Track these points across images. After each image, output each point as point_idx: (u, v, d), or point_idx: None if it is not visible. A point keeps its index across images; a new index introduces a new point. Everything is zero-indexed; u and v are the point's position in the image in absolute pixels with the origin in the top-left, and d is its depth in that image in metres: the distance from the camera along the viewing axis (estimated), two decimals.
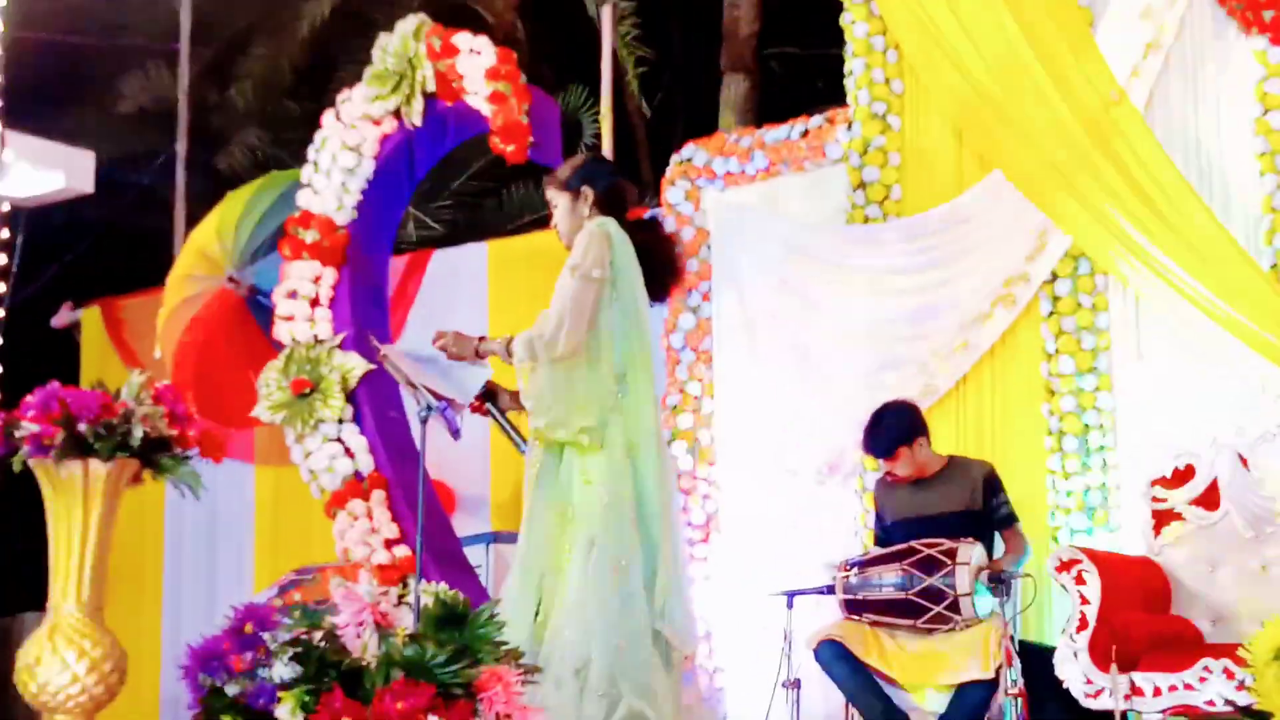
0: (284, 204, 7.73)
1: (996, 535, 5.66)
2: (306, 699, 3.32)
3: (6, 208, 8.46)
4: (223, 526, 9.04)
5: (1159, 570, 5.54)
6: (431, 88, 7.11)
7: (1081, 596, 5.11)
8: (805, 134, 7.15)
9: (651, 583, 4.61)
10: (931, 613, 5.24)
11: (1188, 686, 4.85)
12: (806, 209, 7.12)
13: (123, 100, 12.24)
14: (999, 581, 5.22)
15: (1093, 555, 5.21)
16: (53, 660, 4.19)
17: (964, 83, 6.41)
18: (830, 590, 5.52)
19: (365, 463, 7.06)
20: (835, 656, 5.36)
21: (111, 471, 4.23)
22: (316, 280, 7.26)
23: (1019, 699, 5.01)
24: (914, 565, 5.28)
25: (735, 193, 7.30)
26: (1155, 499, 5.63)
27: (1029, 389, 6.39)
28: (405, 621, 3.55)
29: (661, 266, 4.87)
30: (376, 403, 7.13)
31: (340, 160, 7.30)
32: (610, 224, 4.72)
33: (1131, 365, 6.20)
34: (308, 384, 7.09)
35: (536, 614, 4.58)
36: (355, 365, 7.09)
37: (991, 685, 5.13)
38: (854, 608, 5.42)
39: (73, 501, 4.24)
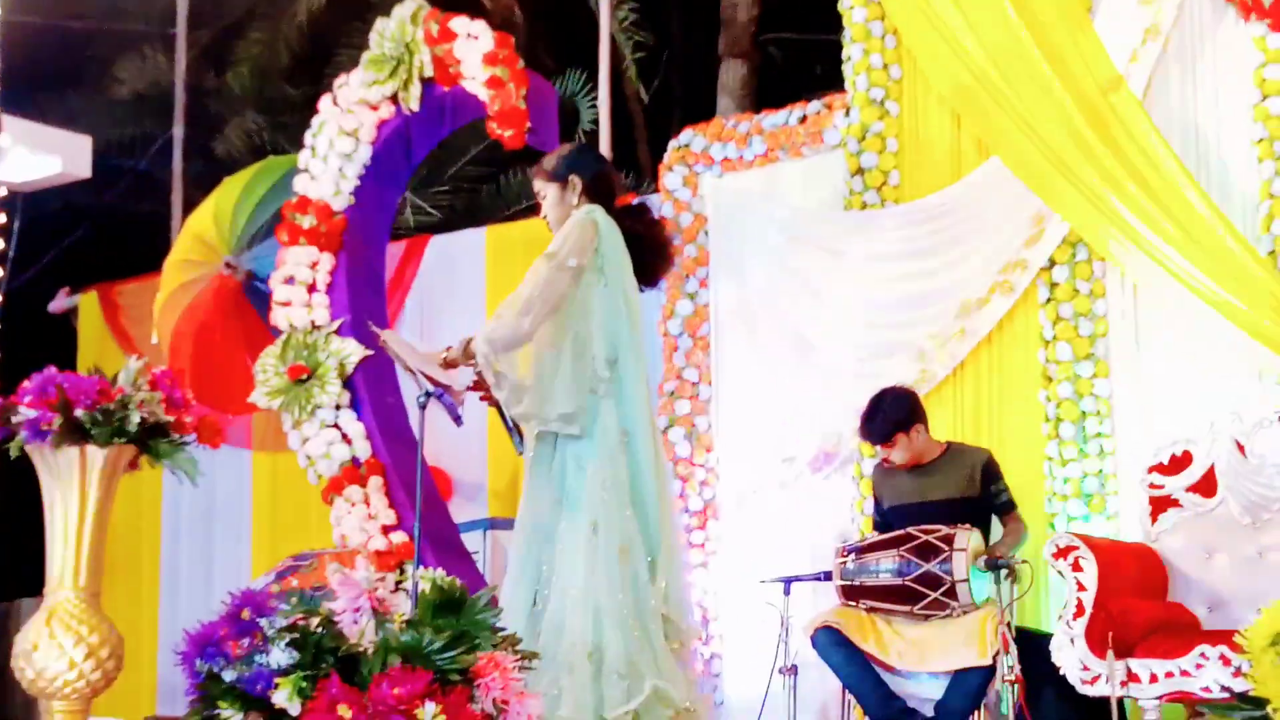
0: (281, 189, 7.73)
1: (994, 521, 5.67)
2: (304, 685, 3.32)
3: (3, 192, 8.44)
4: (220, 512, 9.05)
5: (1156, 557, 5.54)
6: (429, 73, 7.10)
7: (1078, 583, 5.11)
8: (803, 120, 7.14)
9: (652, 567, 4.61)
10: (928, 599, 5.25)
11: (1184, 673, 4.85)
12: (804, 195, 7.12)
13: (119, 85, 12.22)
14: (996, 568, 5.22)
15: (1089, 542, 5.21)
16: (50, 646, 4.19)
17: (962, 69, 6.40)
18: (827, 576, 5.53)
19: (362, 449, 7.06)
20: (832, 643, 5.37)
21: (108, 457, 4.23)
22: (314, 266, 7.26)
23: (1015, 685, 5.02)
24: (911, 551, 5.29)
25: (733, 178, 7.29)
26: (1152, 485, 5.63)
27: (1026, 375, 6.39)
28: (402, 607, 3.55)
29: (651, 253, 4.87)
30: (374, 389, 7.13)
31: (337, 145, 7.30)
32: (597, 211, 4.73)
33: (1129, 352, 6.20)
34: (305, 370, 7.09)
35: (535, 601, 4.58)
36: (352, 351, 7.09)
37: (988, 671, 5.14)
38: (851, 594, 5.43)
39: (70, 487, 4.24)
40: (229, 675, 3.38)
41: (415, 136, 7.42)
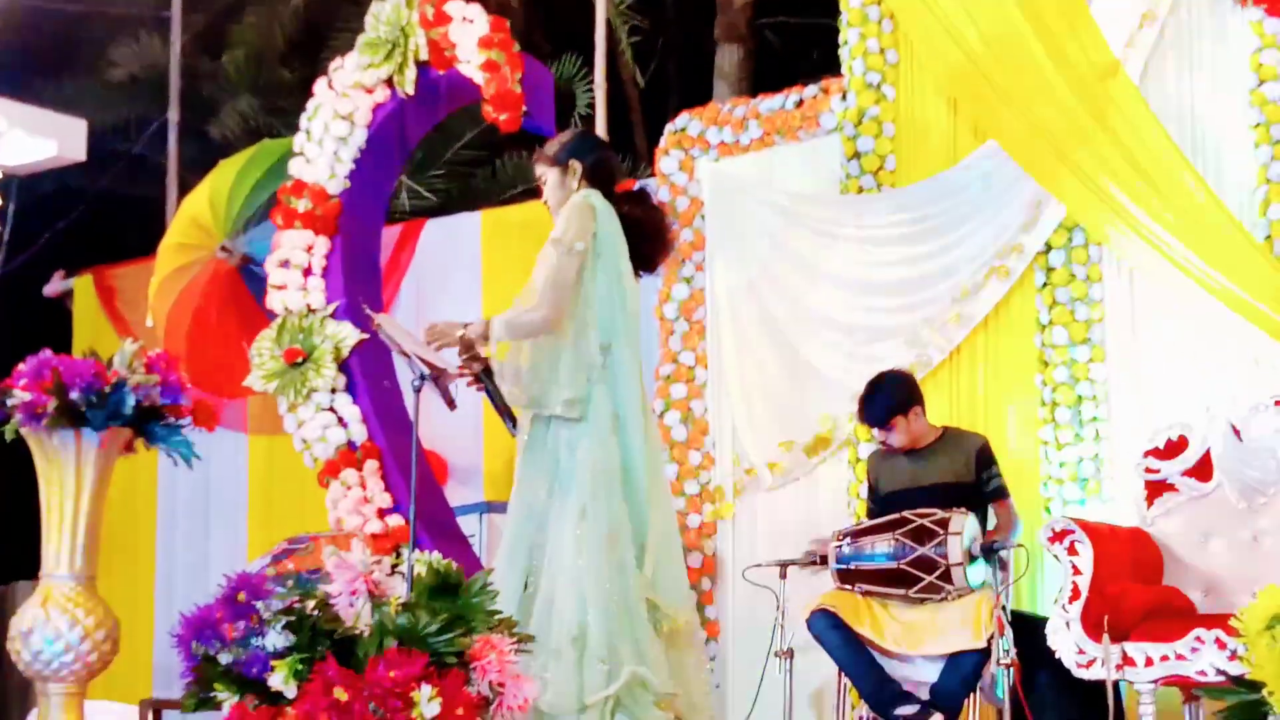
0: (276, 173, 7.72)
1: (989, 508, 5.68)
2: (299, 667, 3.33)
3: None
4: (216, 495, 9.05)
5: (1151, 541, 5.55)
6: (424, 56, 7.09)
7: (1074, 567, 5.12)
8: (800, 104, 7.13)
9: (640, 553, 4.61)
10: (923, 582, 5.25)
11: (1180, 657, 4.86)
12: (801, 179, 7.11)
13: (114, 68, 12.19)
14: (991, 553, 5.23)
15: (1085, 526, 5.22)
16: (46, 629, 4.19)
17: (959, 53, 6.38)
18: (823, 560, 5.53)
19: (358, 432, 7.06)
20: (828, 626, 5.37)
21: (104, 440, 4.23)
22: (309, 249, 7.25)
23: (1011, 669, 5.02)
24: (906, 535, 5.29)
25: (729, 163, 7.28)
26: (1148, 470, 5.63)
27: (1022, 360, 6.39)
28: (398, 591, 3.56)
29: (650, 239, 4.87)
30: (369, 372, 7.13)
31: (333, 129, 7.28)
32: (594, 195, 4.73)
33: (1125, 336, 6.20)
34: (300, 353, 7.09)
35: (526, 585, 4.58)
36: (348, 335, 7.09)
37: (983, 655, 5.15)
38: (846, 577, 5.43)
39: (65, 470, 4.24)
40: (225, 658, 3.39)
41: (410, 120, 7.41)
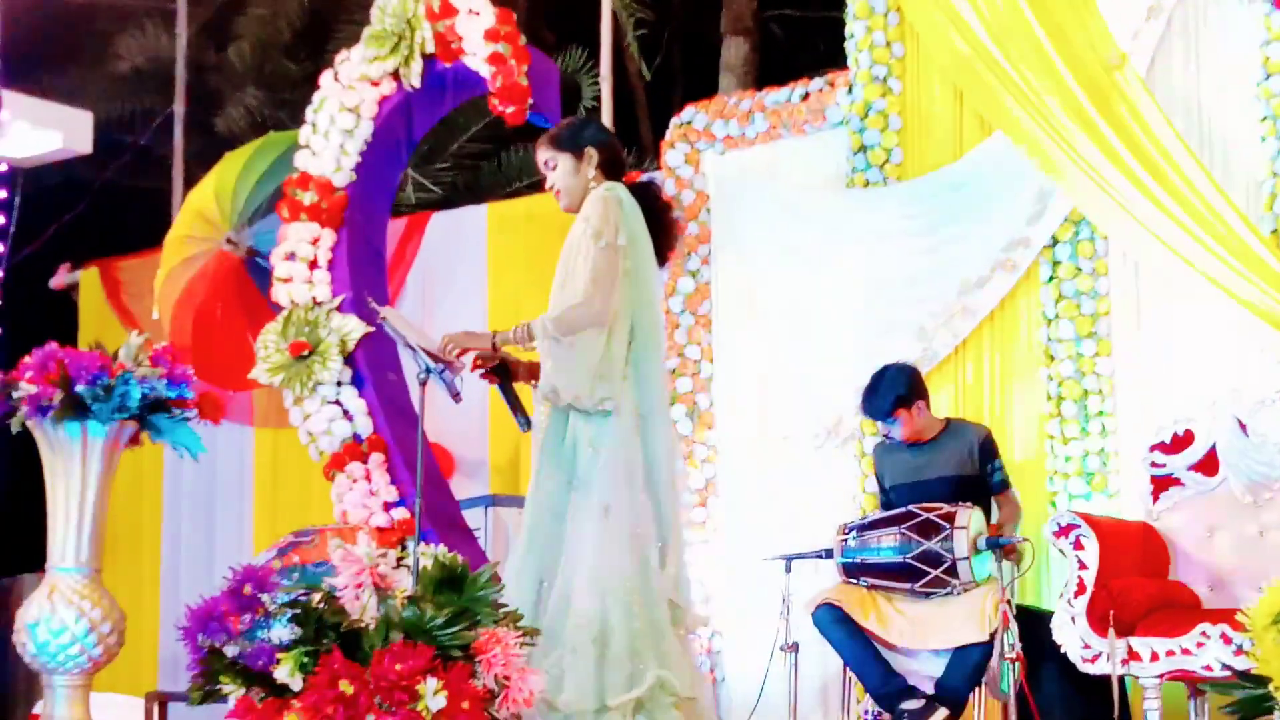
0: (282, 165, 7.71)
1: (993, 500, 5.68)
2: (305, 660, 3.33)
3: (4, 168, 8.44)
4: (221, 488, 9.05)
5: (1157, 535, 5.54)
6: (430, 49, 7.08)
7: (1080, 561, 5.11)
8: (805, 97, 7.12)
9: (663, 553, 4.56)
10: (929, 576, 5.25)
11: (1185, 651, 4.86)
12: (806, 172, 7.10)
13: (120, 60, 12.19)
14: (996, 546, 5.23)
15: (1091, 520, 5.21)
16: (52, 621, 4.20)
17: (965, 45, 6.37)
18: (828, 554, 5.53)
19: (364, 425, 7.06)
20: (833, 620, 5.37)
21: (109, 433, 4.23)
22: (315, 242, 7.24)
23: (1016, 663, 5.02)
24: (912, 529, 5.29)
25: (735, 156, 7.28)
26: (1154, 464, 5.63)
27: (1028, 354, 6.39)
28: (404, 584, 3.56)
29: (660, 231, 4.78)
30: (375, 365, 7.12)
31: (338, 121, 7.28)
32: (621, 189, 4.63)
33: (1131, 330, 6.20)
34: (306, 346, 7.08)
35: (541, 579, 4.52)
36: (354, 328, 7.08)
37: (988, 649, 5.15)
38: (852, 571, 5.43)
39: (71, 462, 4.24)
40: (231, 650, 3.39)
41: (417, 113, 7.40)
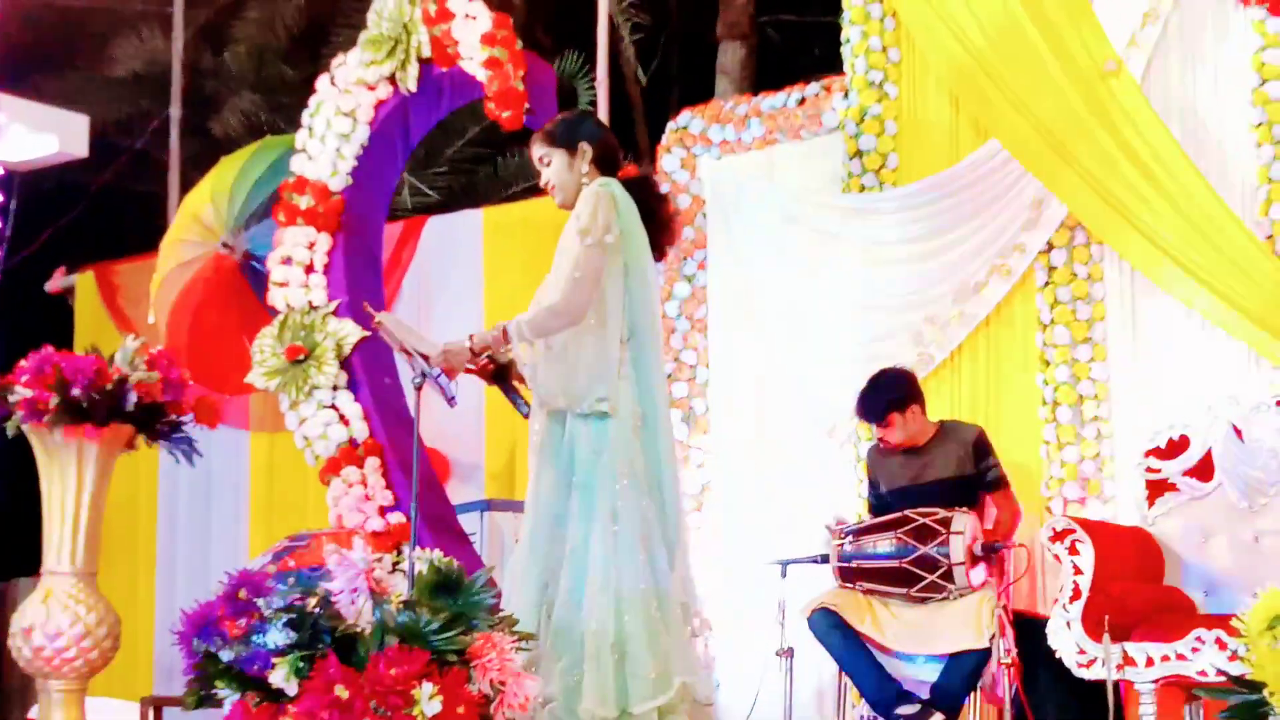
0: (278, 169, 7.72)
1: (989, 499, 5.68)
2: (301, 665, 3.32)
3: (0, 172, 8.42)
4: (217, 492, 9.05)
5: (1152, 541, 5.55)
6: (427, 53, 7.09)
7: (1075, 567, 5.12)
8: (802, 102, 7.13)
9: (670, 553, 4.51)
10: (925, 581, 5.26)
11: (1180, 657, 4.86)
12: (803, 177, 7.10)
13: (117, 64, 12.19)
14: (993, 551, 5.23)
15: (1086, 525, 5.22)
16: (47, 625, 4.20)
17: (961, 51, 6.39)
18: (824, 559, 5.53)
19: (360, 429, 7.06)
20: (829, 625, 5.37)
21: (105, 437, 4.23)
22: (311, 246, 7.25)
23: (1012, 668, 5.02)
24: (908, 534, 5.29)
25: (731, 160, 7.28)
26: (1149, 470, 5.63)
27: (1024, 359, 6.39)
28: (399, 588, 3.55)
29: (657, 226, 4.69)
30: (371, 369, 7.13)
31: (335, 126, 7.29)
32: (614, 185, 4.56)
33: (1126, 336, 6.20)
34: (302, 350, 7.09)
35: (545, 586, 4.45)
36: (350, 332, 7.09)
37: (984, 654, 5.15)
38: (848, 576, 5.43)
39: (67, 466, 4.25)
40: (226, 655, 3.39)
41: (413, 117, 7.41)
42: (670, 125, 7.50)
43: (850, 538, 5.45)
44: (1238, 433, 5.48)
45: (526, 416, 4.69)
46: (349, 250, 7.31)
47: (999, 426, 6.25)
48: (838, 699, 5.58)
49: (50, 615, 4.21)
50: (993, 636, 5.08)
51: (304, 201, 7.26)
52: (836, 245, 6.85)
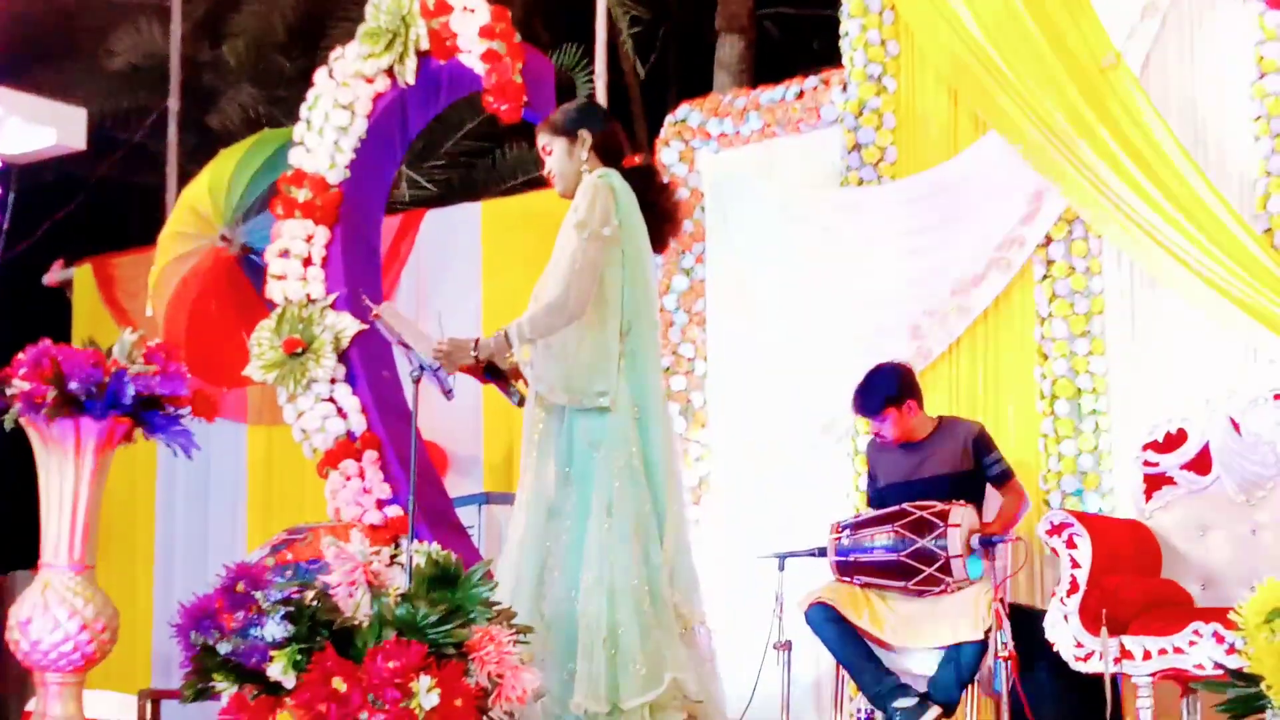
0: (276, 162, 7.71)
1: (989, 492, 5.68)
2: (298, 658, 3.33)
3: None
4: (215, 486, 9.05)
5: (1150, 534, 5.55)
6: (425, 46, 7.08)
7: (1072, 560, 5.12)
8: (800, 95, 7.12)
9: (661, 548, 4.48)
10: (923, 575, 5.26)
11: (1178, 650, 4.86)
12: (801, 170, 7.10)
13: (114, 56, 12.17)
14: (990, 545, 5.23)
15: (1084, 519, 5.22)
16: (45, 619, 4.20)
17: (960, 44, 6.38)
18: (821, 553, 5.53)
19: (358, 423, 7.06)
20: (826, 619, 5.37)
21: (103, 430, 4.23)
22: (309, 239, 7.25)
23: (1009, 661, 5.02)
24: (906, 528, 5.29)
25: (730, 154, 7.27)
26: (1147, 463, 5.64)
27: (1022, 352, 6.39)
28: (397, 581, 3.55)
29: (660, 216, 4.69)
30: (369, 363, 7.12)
31: (333, 119, 7.28)
32: (613, 176, 4.55)
33: (1125, 329, 6.20)
34: (300, 343, 7.08)
35: (540, 579, 4.44)
36: (348, 325, 7.08)
37: (981, 647, 5.15)
38: (845, 570, 5.43)
39: (64, 459, 4.24)
40: (224, 648, 3.39)
41: (411, 110, 7.40)
42: (668, 118, 7.49)
43: (847, 531, 5.45)
44: (1235, 426, 5.49)
45: (518, 405, 4.67)
46: (347, 243, 7.30)
47: (997, 420, 6.26)
48: (835, 692, 5.58)
49: (48, 608, 4.21)
50: (990, 629, 5.08)
51: (302, 194, 7.26)
52: (835, 239, 6.85)
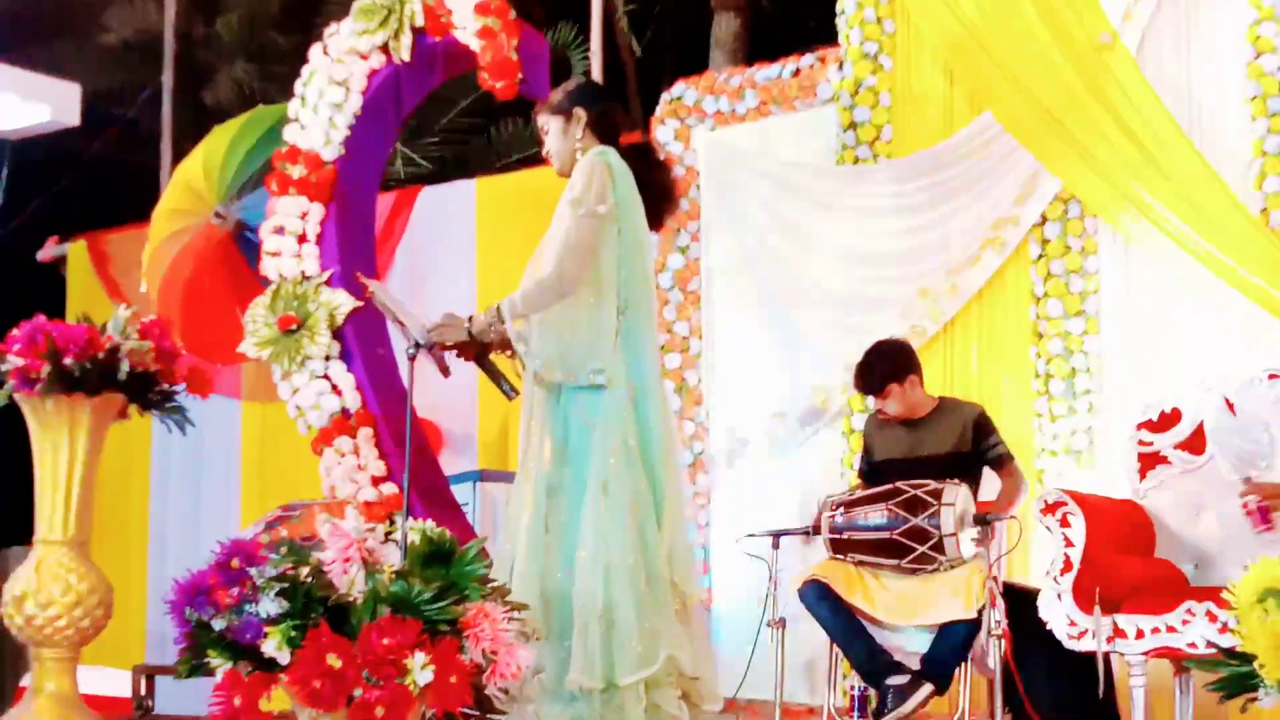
0: (271, 139, 7.69)
1: (984, 474, 5.68)
2: (293, 634, 3.32)
3: None
4: (209, 462, 9.05)
5: (1143, 513, 5.56)
6: (420, 22, 7.06)
7: (1066, 539, 5.12)
8: (796, 73, 7.11)
9: (658, 526, 4.49)
10: (916, 553, 5.26)
11: (1170, 629, 4.87)
12: (797, 149, 7.09)
13: (108, 32, 12.15)
14: (983, 523, 5.23)
15: (1078, 498, 5.22)
16: (39, 594, 4.21)
17: (956, 23, 6.38)
18: (815, 530, 5.54)
19: (352, 400, 7.05)
20: (819, 597, 5.38)
21: (97, 406, 4.23)
22: (304, 216, 7.23)
23: (1002, 639, 5.03)
24: (899, 506, 5.29)
25: (725, 132, 7.27)
26: (1141, 442, 5.64)
27: (1017, 332, 6.40)
28: (392, 558, 3.55)
29: (657, 194, 4.68)
30: (364, 340, 7.12)
31: (327, 95, 7.26)
32: (610, 154, 4.55)
33: (1119, 309, 6.21)
34: (295, 320, 7.07)
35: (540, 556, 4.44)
36: (342, 302, 7.07)
37: (975, 625, 5.16)
38: (839, 548, 5.44)
39: (59, 436, 4.25)
40: (218, 624, 3.39)
41: (406, 87, 7.38)
42: (664, 96, 7.48)
43: (841, 509, 5.45)
44: (1229, 406, 5.49)
45: (511, 399, 4.67)
46: (342, 220, 7.29)
47: (992, 399, 6.26)
48: (828, 670, 5.58)
49: (42, 584, 4.22)
50: (983, 608, 5.09)
51: (297, 171, 7.24)
52: (830, 217, 6.85)
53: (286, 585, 3.39)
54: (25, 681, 4.57)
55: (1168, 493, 5.56)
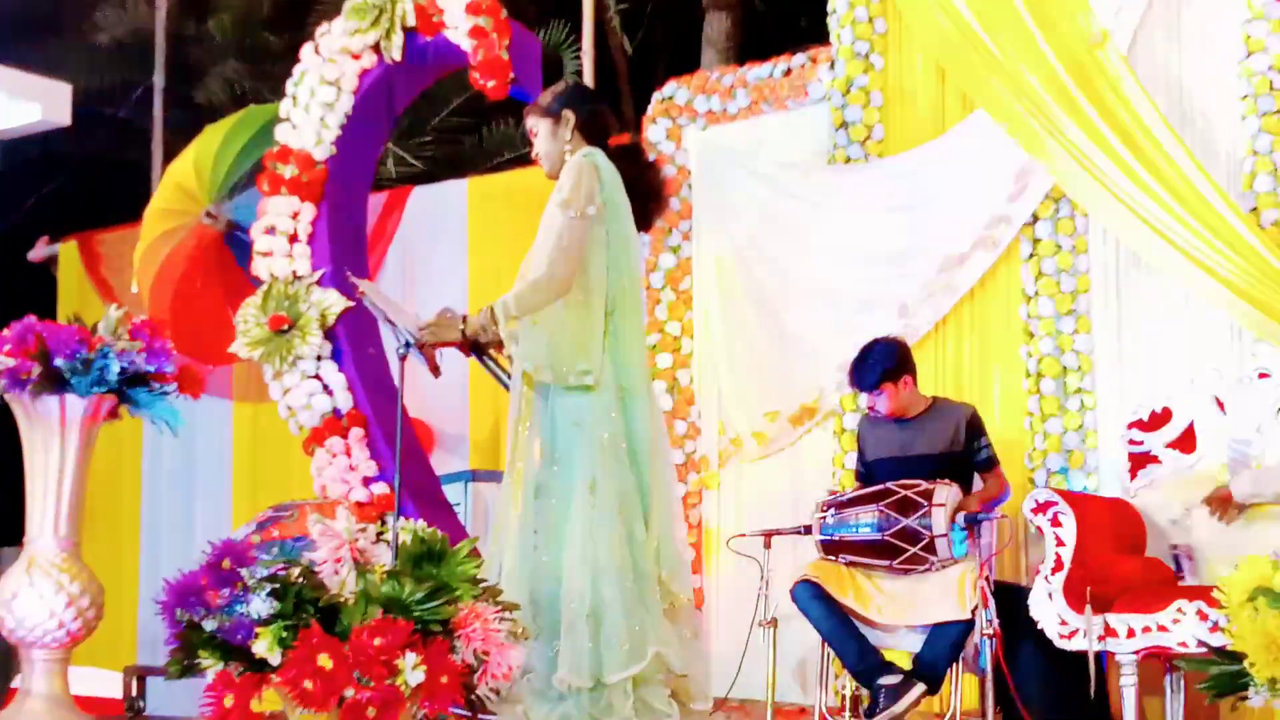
0: (262, 138, 7.68)
1: (976, 476, 5.69)
2: (284, 635, 3.32)
3: None
4: (201, 462, 9.04)
5: (1134, 512, 5.56)
6: (411, 22, 7.05)
7: (1057, 538, 5.12)
8: (788, 72, 7.12)
9: (646, 526, 4.52)
10: (908, 553, 5.27)
11: (1161, 628, 4.87)
12: (788, 148, 7.09)
13: (100, 31, 12.13)
14: (975, 523, 5.24)
15: (1069, 497, 5.23)
16: (30, 595, 4.20)
17: (947, 22, 6.38)
18: (807, 531, 5.54)
19: (344, 400, 7.05)
20: (811, 597, 5.39)
21: (88, 406, 4.23)
22: (295, 216, 7.22)
23: (994, 639, 5.04)
24: (891, 506, 5.30)
25: (717, 131, 7.27)
26: (1132, 441, 5.65)
27: (1008, 331, 6.40)
28: (383, 558, 3.55)
29: (645, 195, 4.71)
30: (355, 340, 7.11)
31: (319, 95, 7.25)
32: (598, 155, 4.58)
33: (1111, 308, 6.21)
34: (286, 320, 7.06)
35: (534, 558, 4.47)
36: (334, 302, 7.06)
37: (967, 625, 5.17)
38: (831, 548, 5.44)
39: (49, 436, 4.24)
40: (209, 625, 3.39)
41: (397, 86, 7.38)
42: (656, 96, 7.48)
43: (832, 510, 5.46)
44: (1220, 405, 5.50)
45: (509, 388, 4.68)
46: (333, 220, 7.28)
47: (983, 398, 6.27)
48: (820, 670, 5.59)
49: (34, 584, 4.21)
50: (975, 608, 5.10)
51: (288, 171, 7.23)
52: (822, 216, 6.85)
53: (278, 586, 3.39)
54: (16, 683, 4.56)
55: (1159, 491, 5.57)
